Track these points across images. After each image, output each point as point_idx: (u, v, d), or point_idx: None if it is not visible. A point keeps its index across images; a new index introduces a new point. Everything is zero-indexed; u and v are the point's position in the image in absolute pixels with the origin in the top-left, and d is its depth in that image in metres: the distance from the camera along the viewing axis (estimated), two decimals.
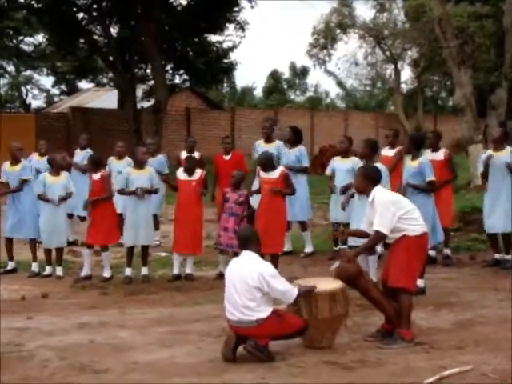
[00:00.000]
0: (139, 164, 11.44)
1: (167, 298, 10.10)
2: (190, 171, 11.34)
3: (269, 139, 13.17)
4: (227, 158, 13.43)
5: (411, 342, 7.48)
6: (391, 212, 7.56)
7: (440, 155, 11.95)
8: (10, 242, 11.99)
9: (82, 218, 13.78)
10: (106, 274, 11.28)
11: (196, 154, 13.50)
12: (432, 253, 11.67)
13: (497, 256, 11.80)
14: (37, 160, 13.71)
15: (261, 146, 13.02)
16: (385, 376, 6.57)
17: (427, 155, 11.81)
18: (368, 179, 7.88)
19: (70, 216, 13.61)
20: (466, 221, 13.95)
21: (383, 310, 7.69)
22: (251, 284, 7.04)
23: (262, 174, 11.18)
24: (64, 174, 11.77)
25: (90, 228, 11.46)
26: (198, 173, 11.41)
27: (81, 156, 14.44)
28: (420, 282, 9.37)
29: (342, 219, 11.99)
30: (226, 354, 7.05)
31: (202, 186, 11.38)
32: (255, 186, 11.41)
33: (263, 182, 11.14)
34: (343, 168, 12.03)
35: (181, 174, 11.45)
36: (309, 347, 7.43)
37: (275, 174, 11.08)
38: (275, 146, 12.94)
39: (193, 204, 11.29)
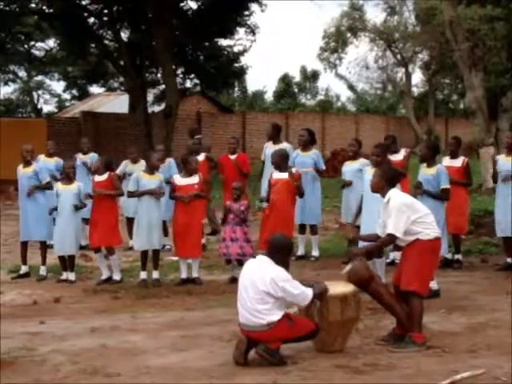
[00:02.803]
0: (152, 169, 11.46)
1: (179, 301, 10.11)
2: (188, 173, 11.34)
3: (276, 142, 13.23)
4: (232, 157, 13.79)
5: (423, 345, 7.46)
6: (405, 215, 7.54)
7: (458, 162, 11.97)
8: (24, 245, 11.99)
9: (86, 221, 13.83)
10: (117, 276, 11.32)
11: (201, 156, 13.58)
12: (448, 255, 11.70)
13: (510, 260, 11.78)
14: (43, 161, 13.78)
15: (269, 148, 13.12)
16: (397, 380, 6.56)
17: (445, 161, 11.86)
18: (385, 180, 7.86)
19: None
20: (477, 224, 13.90)
21: (395, 313, 7.68)
22: (262, 289, 7.03)
23: (274, 175, 11.22)
24: (76, 184, 11.72)
25: (92, 230, 11.51)
26: (197, 176, 11.41)
27: (84, 160, 14.36)
28: (433, 284, 9.36)
29: (351, 220, 12.08)
30: (237, 358, 7.06)
31: (201, 189, 11.40)
32: (264, 190, 11.41)
33: (275, 182, 11.15)
34: (350, 169, 12.25)
35: (178, 179, 11.43)
36: (320, 351, 7.43)
37: (286, 174, 11.16)
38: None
39: (193, 207, 11.28)
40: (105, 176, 11.46)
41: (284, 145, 13.15)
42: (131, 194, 11.39)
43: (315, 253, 12.94)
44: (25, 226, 11.95)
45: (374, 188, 8.04)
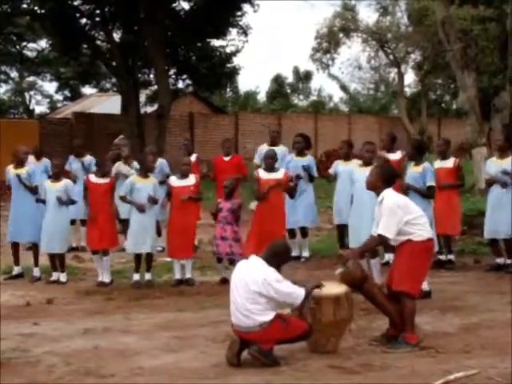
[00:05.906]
0: (146, 172, 11.39)
1: (172, 302, 10.10)
2: (183, 175, 11.34)
3: (274, 144, 13.37)
4: (227, 159, 13.72)
5: (416, 346, 7.46)
6: (398, 216, 7.52)
7: (449, 163, 11.98)
8: (15, 246, 11.94)
9: (84, 222, 13.79)
10: (107, 279, 11.27)
11: (193, 157, 13.56)
12: (442, 256, 11.74)
13: (499, 260, 11.80)
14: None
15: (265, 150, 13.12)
16: (390, 380, 6.57)
17: (437, 164, 11.88)
18: (382, 179, 7.82)
19: (73, 222, 13.43)
20: (470, 224, 13.90)
21: (388, 314, 7.68)
22: (254, 289, 7.02)
23: (265, 175, 11.26)
24: (63, 181, 11.65)
25: (91, 233, 11.46)
26: (193, 177, 11.40)
27: (78, 163, 14.32)
28: (425, 285, 9.36)
29: (345, 221, 12.09)
30: (230, 359, 7.05)
31: (197, 190, 11.41)
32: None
33: (266, 183, 11.16)
34: (343, 170, 12.22)
35: (174, 180, 11.43)
36: (313, 351, 7.43)
37: (279, 174, 11.26)
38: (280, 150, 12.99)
39: (187, 209, 11.28)
40: (107, 179, 11.43)
41: (280, 147, 13.31)
42: (123, 199, 11.34)
43: (305, 253, 12.93)
44: (14, 227, 11.88)
45: (370, 186, 7.99)
